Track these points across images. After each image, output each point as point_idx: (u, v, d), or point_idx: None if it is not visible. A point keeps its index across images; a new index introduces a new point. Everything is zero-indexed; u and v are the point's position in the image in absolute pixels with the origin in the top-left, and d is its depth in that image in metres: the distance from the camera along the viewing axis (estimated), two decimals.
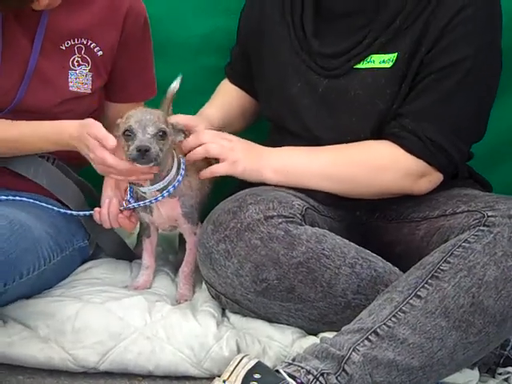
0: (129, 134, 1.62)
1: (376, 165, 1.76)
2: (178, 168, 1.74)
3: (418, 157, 1.72)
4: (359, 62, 1.77)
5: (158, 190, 1.71)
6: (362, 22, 1.77)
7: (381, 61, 1.75)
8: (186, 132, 1.74)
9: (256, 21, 1.96)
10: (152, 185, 1.71)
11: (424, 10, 1.71)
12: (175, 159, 1.74)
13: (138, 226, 1.93)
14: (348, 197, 1.80)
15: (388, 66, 1.74)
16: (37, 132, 1.76)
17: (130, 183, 1.76)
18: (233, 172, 1.77)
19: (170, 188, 1.71)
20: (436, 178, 1.76)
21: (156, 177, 1.70)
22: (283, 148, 1.82)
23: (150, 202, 1.73)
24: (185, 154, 1.78)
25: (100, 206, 1.79)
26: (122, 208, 1.77)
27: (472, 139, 1.79)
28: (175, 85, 1.90)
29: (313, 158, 1.78)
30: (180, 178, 1.73)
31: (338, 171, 1.77)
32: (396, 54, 1.73)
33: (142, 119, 1.61)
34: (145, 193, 1.73)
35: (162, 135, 1.62)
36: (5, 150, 1.79)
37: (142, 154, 1.58)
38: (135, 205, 1.75)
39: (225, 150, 1.77)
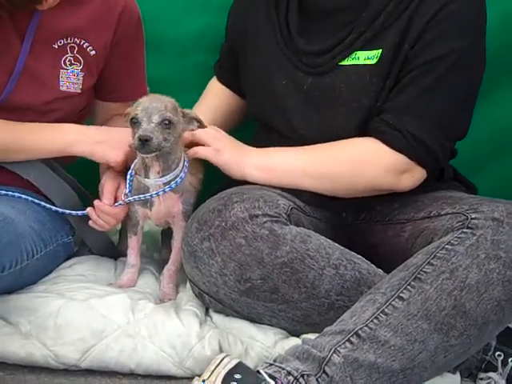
0: (135, 122, 1.63)
1: (358, 160, 1.75)
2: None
3: (400, 151, 1.71)
4: (344, 59, 1.77)
5: (163, 183, 1.71)
6: (347, 19, 1.77)
7: (365, 57, 1.75)
8: (199, 120, 1.74)
9: (242, 18, 1.97)
10: (161, 177, 1.71)
11: (408, 6, 1.71)
12: (183, 152, 1.74)
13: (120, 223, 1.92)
14: (333, 195, 1.79)
15: (373, 62, 1.74)
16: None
17: (131, 175, 1.74)
18: (215, 159, 1.77)
19: (178, 179, 1.71)
20: (419, 173, 1.75)
21: (165, 168, 1.70)
22: (267, 148, 1.82)
23: (153, 194, 1.72)
24: None
25: (89, 203, 1.80)
26: (118, 204, 1.76)
27: (455, 135, 1.79)
28: None
29: (295, 155, 1.78)
30: (183, 174, 1.72)
31: (319, 168, 1.76)
32: (380, 51, 1.73)
33: (148, 107, 1.62)
34: (150, 185, 1.72)
35: (167, 124, 1.62)
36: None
37: (143, 144, 1.59)
38: (136, 198, 1.73)
39: (209, 136, 1.78)
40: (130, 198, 1.74)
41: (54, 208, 1.81)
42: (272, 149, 1.82)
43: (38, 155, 1.81)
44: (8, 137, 1.76)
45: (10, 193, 1.79)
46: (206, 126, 1.75)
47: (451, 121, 1.73)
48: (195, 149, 1.78)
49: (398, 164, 1.72)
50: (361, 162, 1.74)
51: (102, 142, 1.79)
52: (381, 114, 1.74)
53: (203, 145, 1.79)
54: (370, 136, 1.74)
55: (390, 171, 1.73)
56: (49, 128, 1.80)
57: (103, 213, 1.77)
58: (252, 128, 2.04)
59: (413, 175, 1.74)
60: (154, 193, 1.72)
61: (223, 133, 1.82)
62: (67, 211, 1.82)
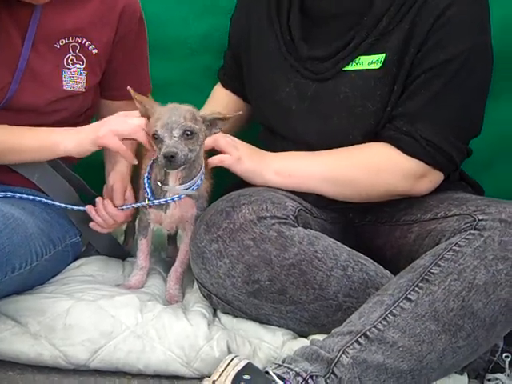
0: (156, 138, 1.61)
1: (375, 166, 1.75)
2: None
3: (416, 157, 1.72)
4: (348, 64, 1.77)
5: (182, 190, 1.70)
6: (349, 24, 1.78)
7: (369, 62, 1.75)
8: (222, 116, 1.67)
9: (244, 26, 1.97)
10: (180, 184, 1.70)
11: (410, 9, 1.72)
12: (203, 159, 1.73)
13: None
14: (350, 201, 1.79)
15: (377, 66, 1.74)
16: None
17: (148, 180, 1.73)
18: (236, 168, 1.77)
19: (194, 187, 1.71)
20: (437, 177, 1.76)
21: (186, 175, 1.69)
22: (285, 153, 1.83)
23: (172, 199, 1.71)
24: None
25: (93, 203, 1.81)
26: (138, 204, 1.77)
27: (468, 135, 1.79)
28: None
29: (314, 160, 1.79)
30: (200, 181, 1.72)
31: (337, 173, 1.77)
32: (384, 55, 1.73)
33: (167, 122, 1.59)
34: (169, 190, 1.71)
35: (189, 135, 1.60)
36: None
37: (169, 160, 1.57)
38: (156, 202, 1.72)
39: (230, 145, 1.77)
40: (150, 202, 1.73)
41: (56, 203, 1.81)
42: (290, 153, 1.82)
43: (28, 156, 1.78)
44: None
45: (18, 194, 1.79)
46: (228, 117, 1.68)
47: (464, 122, 1.74)
48: (220, 157, 1.76)
49: (415, 169, 1.73)
50: (378, 168, 1.75)
51: (83, 130, 1.75)
52: (393, 121, 1.75)
53: (222, 152, 1.77)
54: (383, 142, 1.75)
55: (407, 177, 1.74)
56: (39, 129, 1.77)
57: (107, 213, 1.78)
58: (257, 129, 2.03)
59: (430, 179, 1.76)
60: (170, 198, 1.71)
61: (239, 141, 1.81)
62: (69, 206, 1.82)
